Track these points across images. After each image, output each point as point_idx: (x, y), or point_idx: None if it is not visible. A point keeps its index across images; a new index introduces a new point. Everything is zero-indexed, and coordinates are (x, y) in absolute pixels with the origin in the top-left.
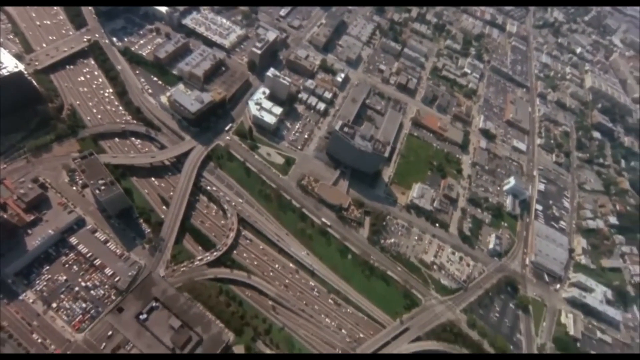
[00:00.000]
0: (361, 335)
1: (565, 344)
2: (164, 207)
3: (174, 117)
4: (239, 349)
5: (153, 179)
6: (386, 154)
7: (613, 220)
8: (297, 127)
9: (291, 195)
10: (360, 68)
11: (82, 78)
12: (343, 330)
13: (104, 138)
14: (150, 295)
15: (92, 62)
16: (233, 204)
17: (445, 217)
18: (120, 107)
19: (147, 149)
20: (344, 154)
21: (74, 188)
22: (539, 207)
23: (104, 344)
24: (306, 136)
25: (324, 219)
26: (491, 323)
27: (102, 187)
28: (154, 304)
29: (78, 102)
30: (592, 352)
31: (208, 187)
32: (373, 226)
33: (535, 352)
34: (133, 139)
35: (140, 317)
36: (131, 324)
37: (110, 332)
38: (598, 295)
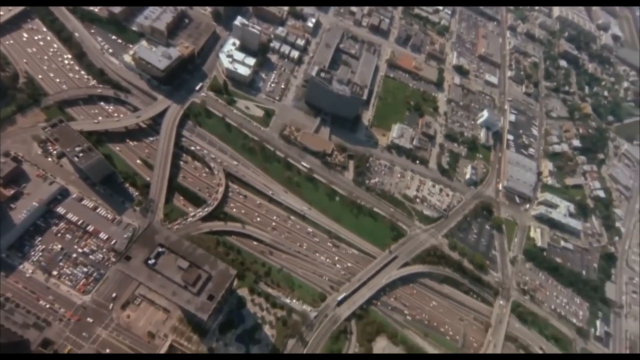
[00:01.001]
0: (352, 265)
1: (534, 254)
2: (148, 169)
3: (141, 76)
4: (243, 292)
5: (130, 142)
6: (364, 97)
7: (576, 143)
8: (272, 77)
9: (274, 146)
10: (331, 12)
11: (33, 42)
12: (337, 265)
13: (70, 105)
14: (154, 242)
15: (40, 23)
16: (219, 160)
17: (424, 154)
18: (82, 71)
19: (119, 113)
20: (323, 100)
21: (50, 159)
22: (510, 137)
23: (111, 304)
24: (283, 86)
25: (304, 163)
26: (470, 244)
27: (80, 154)
28: (159, 250)
29: (33, 69)
30: (557, 258)
31: (191, 147)
32: (357, 168)
33: (508, 263)
34: (102, 103)
35: (149, 262)
36: (141, 269)
37: (114, 294)
38: (562, 210)
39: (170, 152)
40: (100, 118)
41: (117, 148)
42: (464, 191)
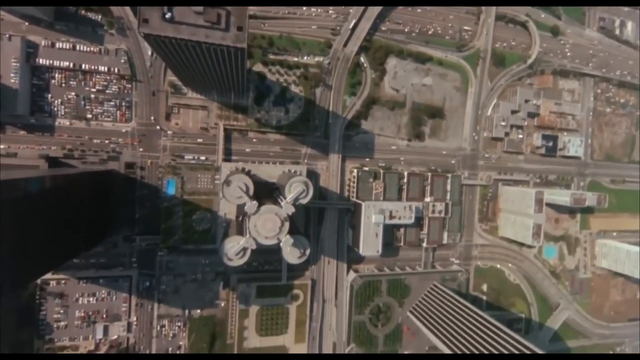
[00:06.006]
0: (342, 7)
1: None
2: None
3: None
4: (257, 67)
5: None
6: None
7: None
8: None
9: None
10: None
11: None
12: (330, 11)
13: None
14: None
15: None
16: None
17: None
18: None
19: None
20: None
21: None
22: None
23: (152, 116)
24: None
25: None
26: None
27: None
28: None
29: None
30: None
31: None
32: None
33: None
34: None
35: (166, 17)
36: (164, 26)
37: (153, 118)
38: None
39: None
40: None
41: None
42: None
